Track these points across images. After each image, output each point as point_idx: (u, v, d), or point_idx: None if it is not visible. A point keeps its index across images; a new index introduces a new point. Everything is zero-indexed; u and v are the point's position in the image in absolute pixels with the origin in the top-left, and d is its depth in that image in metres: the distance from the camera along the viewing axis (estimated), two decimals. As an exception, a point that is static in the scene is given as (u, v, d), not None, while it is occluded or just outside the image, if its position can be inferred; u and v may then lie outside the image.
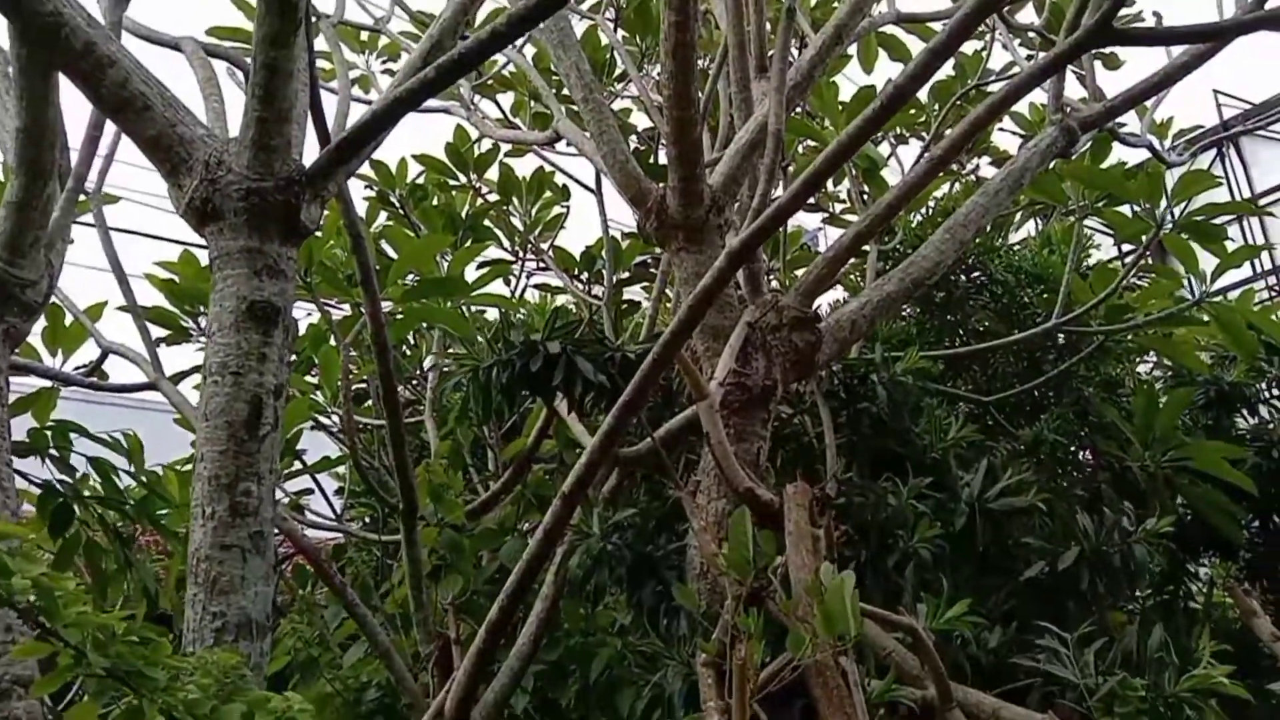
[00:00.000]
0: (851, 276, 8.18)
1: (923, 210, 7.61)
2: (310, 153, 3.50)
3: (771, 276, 7.68)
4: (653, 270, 8.41)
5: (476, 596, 5.20)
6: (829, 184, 8.24)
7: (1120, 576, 4.50)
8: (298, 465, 7.27)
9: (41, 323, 5.39)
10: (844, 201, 8.80)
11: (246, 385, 3.11)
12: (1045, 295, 7.07)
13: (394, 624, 5.38)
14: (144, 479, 3.95)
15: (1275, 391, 8.30)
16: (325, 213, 3.87)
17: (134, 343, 5.64)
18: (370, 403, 7.73)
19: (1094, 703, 3.62)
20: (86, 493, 4.03)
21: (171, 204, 3.40)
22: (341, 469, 7.88)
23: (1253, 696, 6.16)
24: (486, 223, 7.82)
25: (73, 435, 4.03)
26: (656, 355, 3.96)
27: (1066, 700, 3.73)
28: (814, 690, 3.66)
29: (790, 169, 7.92)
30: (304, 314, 7.64)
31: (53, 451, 4.03)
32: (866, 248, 7.05)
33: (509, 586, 4.32)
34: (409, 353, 8.16)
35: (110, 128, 4.08)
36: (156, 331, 6.14)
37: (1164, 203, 6.25)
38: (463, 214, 7.48)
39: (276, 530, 5.23)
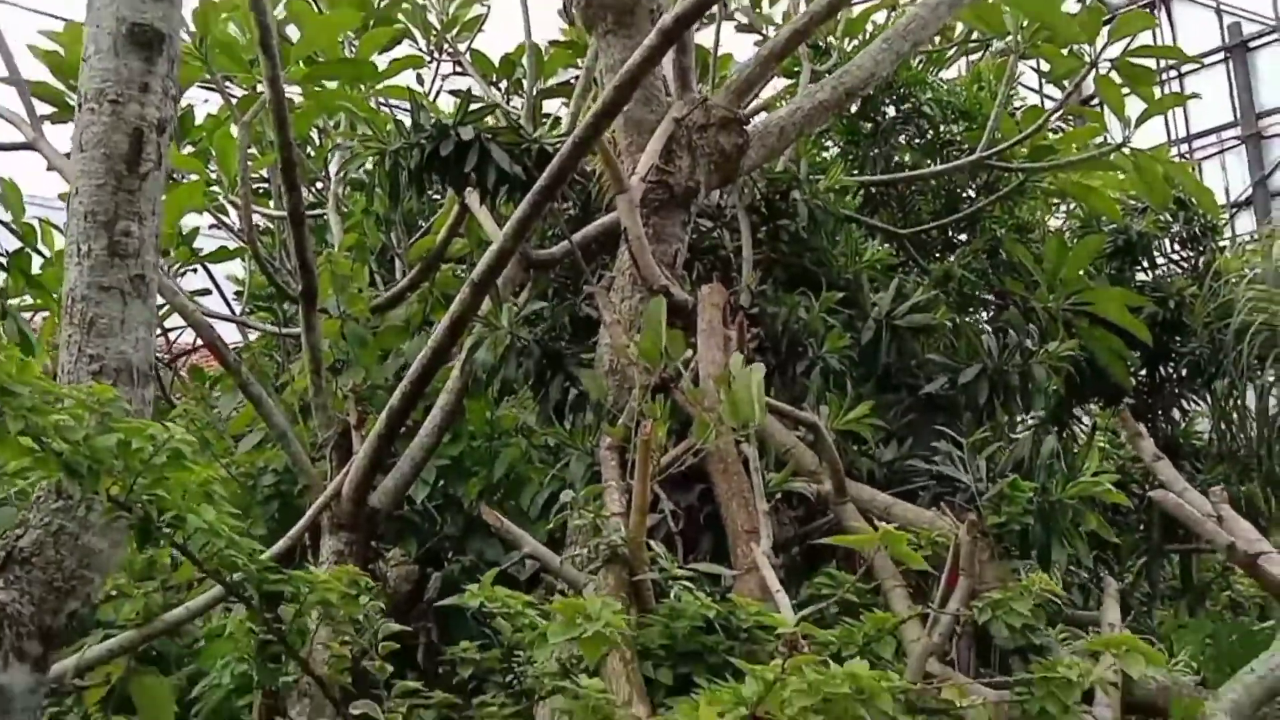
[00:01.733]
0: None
1: (860, 36, 7.39)
2: None
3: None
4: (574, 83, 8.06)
5: (379, 391, 5.09)
6: (765, 4, 7.92)
7: (1018, 395, 4.61)
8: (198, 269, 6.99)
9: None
10: (779, 24, 8.49)
11: (126, 116, 2.84)
12: (972, 130, 7.02)
13: (293, 414, 5.24)
14: (17, 229, 3.66)
15: (1177, 246, 8.55)
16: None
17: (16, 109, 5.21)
18: (273, 203, 7.37)
19: (983, 503, 3.74)
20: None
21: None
22: (241, 274, 7.58)
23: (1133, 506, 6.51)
24: (400, 16, 7.33)
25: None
26: (577, 138, 3.78)
27: (957, 501, 3.83)
28: (713, 475, 3.70)
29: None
30: (201, 100, 7.18)
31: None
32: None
33: (412, 373, 4.22)
34: (313, 153, 7.75)
35: None
36: (42, 108, 5.68)
37: (1101, 41, 6.20)
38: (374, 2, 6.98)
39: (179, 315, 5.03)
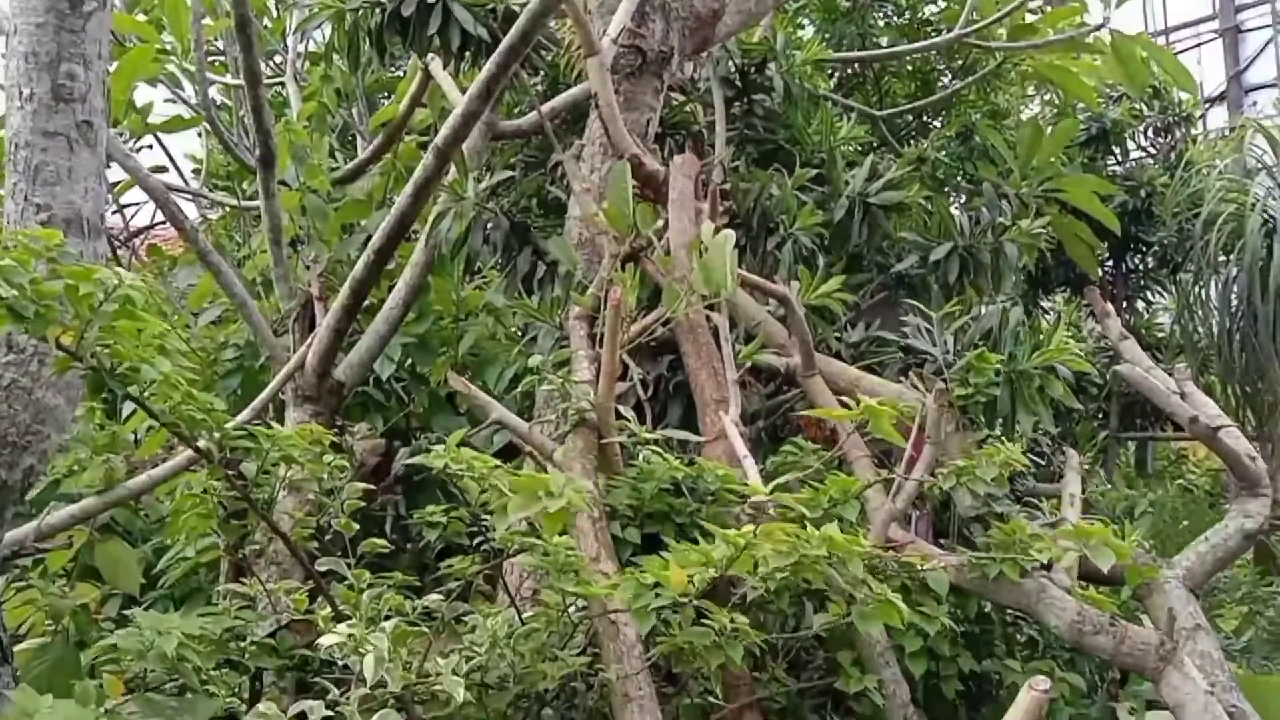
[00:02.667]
0: None
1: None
2: None
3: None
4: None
5: (341, 266, 4.98)
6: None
7: (988, 274, 4.59)
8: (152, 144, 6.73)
9: None
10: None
11: (66, -51, 2.66)
12: (950, 9, 6.86)
13: (254, 291, 5.13)
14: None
15: (1150, 135, 8.50)
16: None
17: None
18: (230, 76, 7.08)
19: (951, 375, 3.74)
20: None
21: None
22: (200, 153, 7.34)
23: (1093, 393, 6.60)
24: None
25: None
26: (545, -5, 3.62)
27: (924, 373, 3.84)
28: (683, 345, 3.67)
29: None
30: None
31: None
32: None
33: (375, 242, 4.11)
34: (270, 24, 7.44)
35: None
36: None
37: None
38: None
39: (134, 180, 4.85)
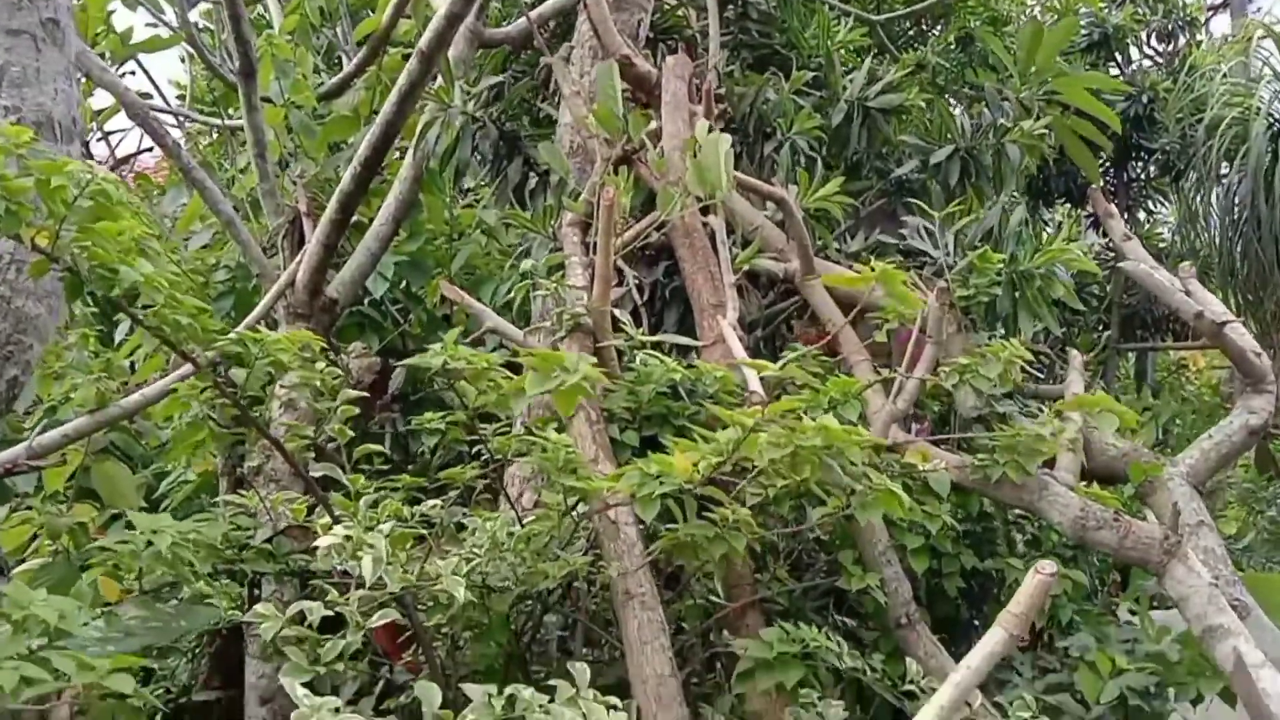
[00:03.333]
0: None
1: None
2: None
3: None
4: None
5: (330, 184, 4.87)
6: None
7: (990, 176, 4.49)
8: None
9: None
10: None
11: None
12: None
13: (242, 212, 5.03)
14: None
15: (1153, 41, 8.33)
16: None
17: None
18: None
19: (952, 276, 3.68)
20: None
21: None
22: (185, 80, 7.17)
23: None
24: None
25: None
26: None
27: (925, 275, 3.77)
28: (678, 250, 3.59)
29: None
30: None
31: None
32: None
33: (362, 153, 4.00)
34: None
35: None
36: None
37: None
38: None
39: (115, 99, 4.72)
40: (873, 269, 3.27)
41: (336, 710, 1.88)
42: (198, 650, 4.60)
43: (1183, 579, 3.04)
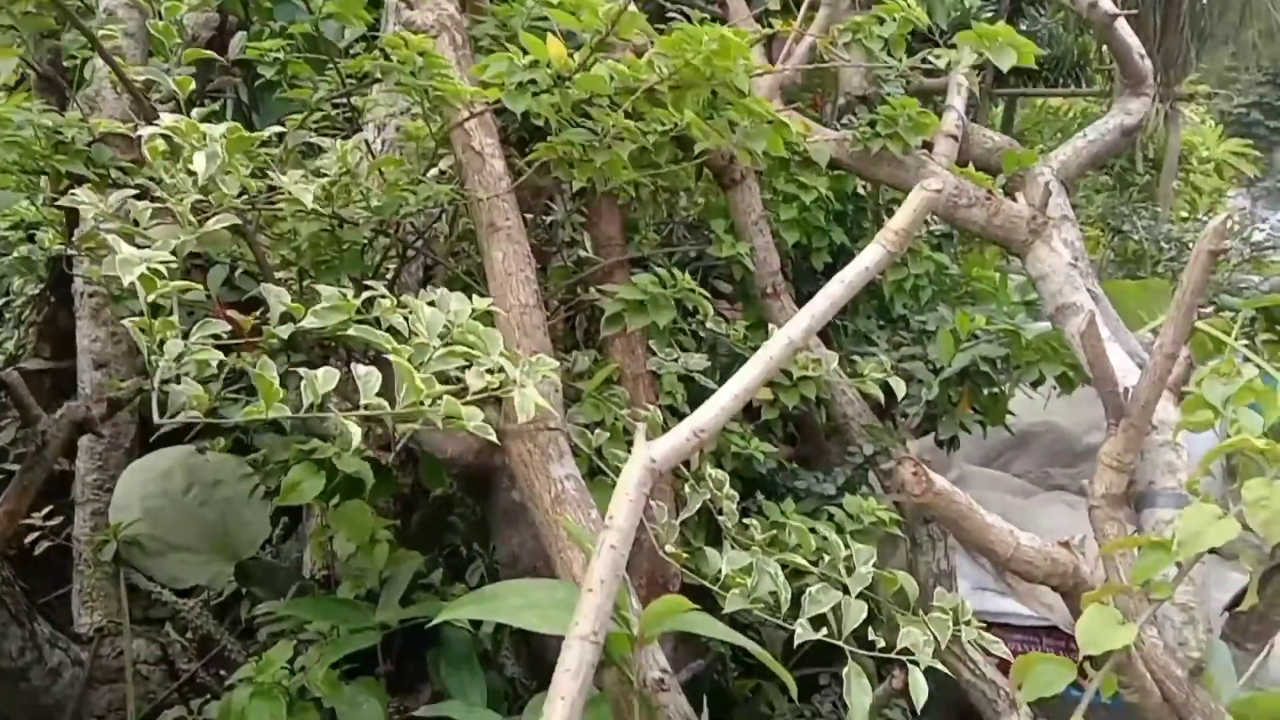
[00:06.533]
0: None
1: None
2: None
3: None
4: None
5: None
6: None
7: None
8: None
9: None
10: None
11: None
12: None
13: None
14: None
15: None
16: None
17: None
18: None
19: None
20: None
21: None
22: None
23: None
24: None
25: None
26: None
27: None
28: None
29: None
30: None
31: None
32: None
33: None
34: None
35: None
36: None
37: None
38: None
39: None
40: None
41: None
42: (24, 318, 4.31)
43: (1044, 258, 3.10)
